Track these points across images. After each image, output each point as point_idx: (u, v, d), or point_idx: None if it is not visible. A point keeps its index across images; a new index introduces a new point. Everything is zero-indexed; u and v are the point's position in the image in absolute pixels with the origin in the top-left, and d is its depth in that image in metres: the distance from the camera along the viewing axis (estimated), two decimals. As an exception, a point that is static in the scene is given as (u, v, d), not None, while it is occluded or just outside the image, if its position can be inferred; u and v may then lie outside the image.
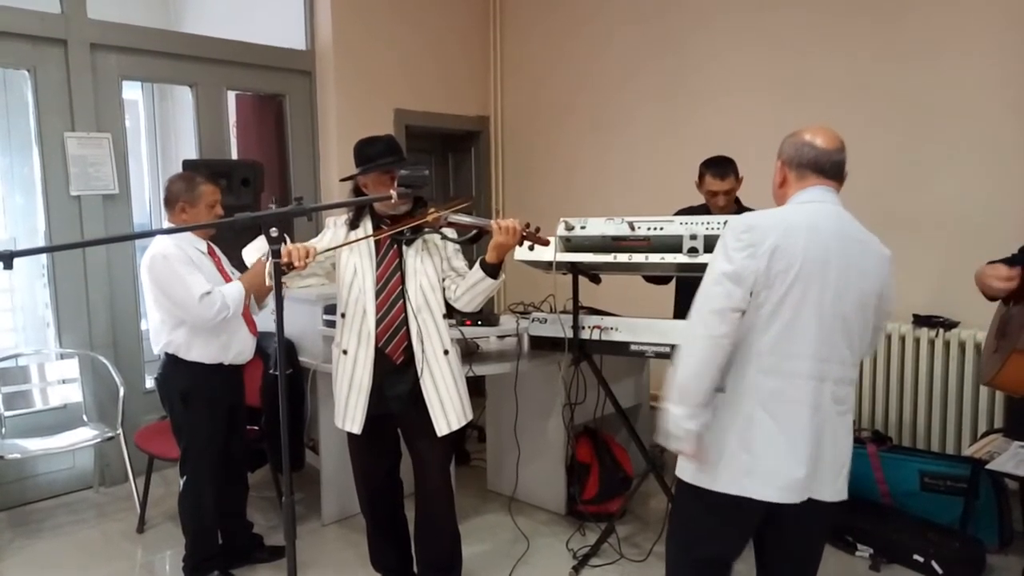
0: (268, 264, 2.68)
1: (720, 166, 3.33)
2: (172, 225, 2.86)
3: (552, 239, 2.86)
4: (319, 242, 2.64)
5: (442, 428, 2.55)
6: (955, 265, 3.51)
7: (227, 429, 2.92)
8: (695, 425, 1.83)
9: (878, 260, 1.92)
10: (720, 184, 3.30)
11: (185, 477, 2.90)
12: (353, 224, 2.62)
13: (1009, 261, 2.34)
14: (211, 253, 2.89)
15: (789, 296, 1.80)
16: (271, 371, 3.44)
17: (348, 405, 2.58)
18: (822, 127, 1.99)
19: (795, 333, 1.81)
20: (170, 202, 2.82)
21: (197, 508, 2.91)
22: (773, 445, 1.82)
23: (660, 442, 1.92)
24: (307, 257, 2.25)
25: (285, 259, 2.26)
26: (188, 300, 2.64)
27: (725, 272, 1.81)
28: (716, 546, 2.00)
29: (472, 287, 2.52)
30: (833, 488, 1.91)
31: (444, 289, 2.62)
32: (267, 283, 2.90)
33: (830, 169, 1.93)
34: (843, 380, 1.88)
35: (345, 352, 2.57)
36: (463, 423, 2.61)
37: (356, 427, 2.57)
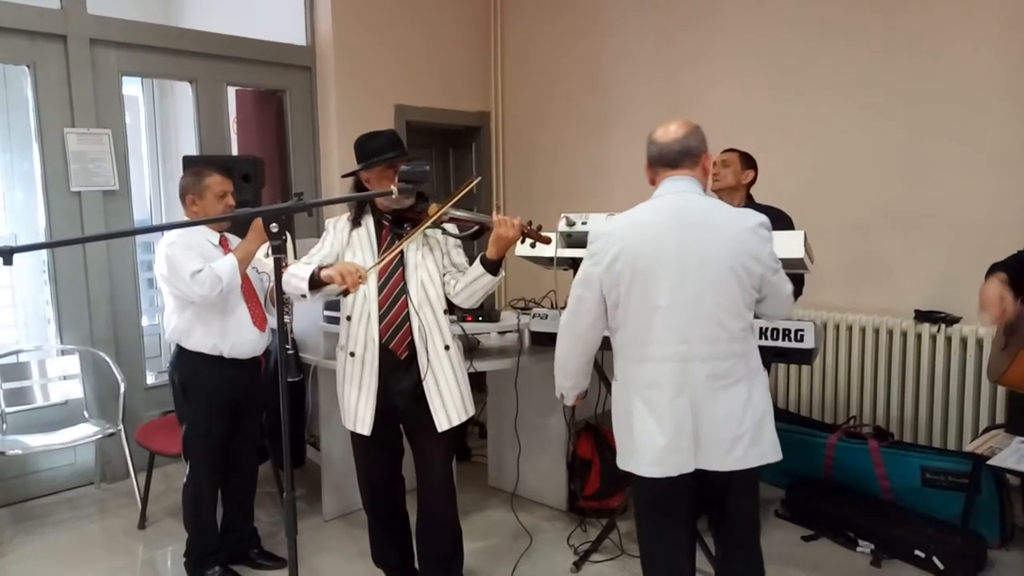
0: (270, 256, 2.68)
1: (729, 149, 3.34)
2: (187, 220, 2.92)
3: (553, 235, 2.85)
4: (321, 247, 2.63)
5: (442, 423, 2.55)
6: (957, 260, 3.51)
7: (228, 426, 2.92)
8: (576, 389, 2.31)
9: (732, 235, 1.99)
10: (717, 155, 3.28)
11: (187, 469, 2.92)
12: (355, 222, 2.60)
13: (1009, 265, 2.34)
14: (223, 244, 2.92)
15: (632, 292, 2.01)
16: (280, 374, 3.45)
17: (358, 407, 2.56)
18: (670, 121, 2.13)
19: (646, 323, 2.01)
20: (181, 197, 2.89)
21: (194, 502, 2.93)
22: (645, 426, 2.03)
23: (557, 397, 2.35)
24: (361, 280, 2.31)
25: (341, 286, 2.30)
26: (183, 280, 2.70)
27: (578, 279, 2.11)
28: (654, 519, 2.17)
29: (471, 283, 2.51)
30: (729, 457, 2.00)
31: (444, 284, 2.61)
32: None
33: (673, 159, 2.09)
34: (716, 356, 1.99)
35: (352, 354, 2.56)
36: (464, 419, 2.60)
37: (366, 428, 2.55)
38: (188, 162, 3.84)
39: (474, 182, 2.44)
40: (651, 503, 2.16)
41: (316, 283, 2.39)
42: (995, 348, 2.58)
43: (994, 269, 2.38)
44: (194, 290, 2.69)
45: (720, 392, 1.99)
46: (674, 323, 1.98)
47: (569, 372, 2.26)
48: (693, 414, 1.99)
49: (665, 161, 2.09)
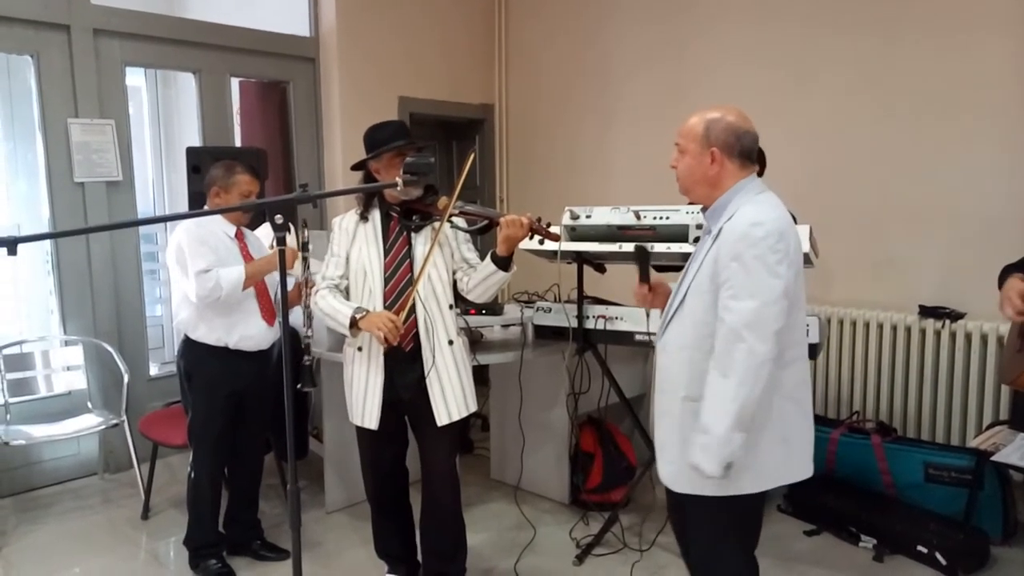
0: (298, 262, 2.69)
1: None
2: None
3: (558, 228, 2.85)
4: (331, 253, 2.62)
5: (442, 418, 2.54)
6: (962, 256, 3.49)
7: (232, 416, 2.92)
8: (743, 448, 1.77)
9: None
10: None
11: (191, 456, 2.95)
12: (363, 216, 2.60)
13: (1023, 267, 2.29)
14: (239, 238, 2.92)
15: (800, 292, 1.86)
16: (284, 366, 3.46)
17: (365, 401, 2.56)
18: (739, 109, 1.94)
19: (796, 323, 1.86)
20: (207, 187, 2.90)
21: (194, 489, 2.95)
22: (801, 427, 1.92)
23: (711, 474, 1.76)
24: (399, 329, 2.38)
25: (386, 343, 2.38)
26: (186, 274, 2.73)
27: (779, 291, 1.74)
28: (747, 548, 2.01)
29: (484, 279, 2.52)
30: None
31: (455, 281, 2.61)
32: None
33: (757, 156, 1.93)
34: None
35: (360, 349, 2.56)
36: (464, 414, 2.60)
37: (373, 423, 2.55)
38: (191, 153, 3.84)
39: (471, 156, 2.46)
40: (760, 514, 2.01)
41: (354, 323, 2.46)
42: (1009, 350, 2.53)
43: (1008, 271, 2.31)
44: (193, 287, 2.70)
45: None
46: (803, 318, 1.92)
47: (753, 417, 1.76)
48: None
49: (752, 156, 1.89)
